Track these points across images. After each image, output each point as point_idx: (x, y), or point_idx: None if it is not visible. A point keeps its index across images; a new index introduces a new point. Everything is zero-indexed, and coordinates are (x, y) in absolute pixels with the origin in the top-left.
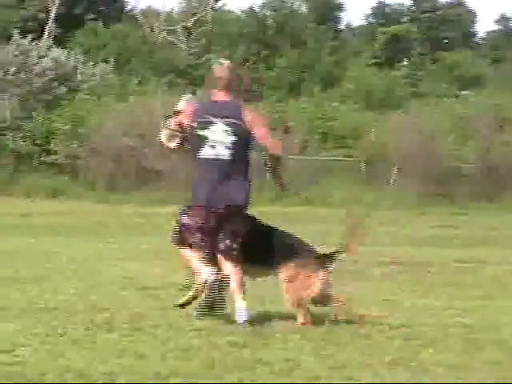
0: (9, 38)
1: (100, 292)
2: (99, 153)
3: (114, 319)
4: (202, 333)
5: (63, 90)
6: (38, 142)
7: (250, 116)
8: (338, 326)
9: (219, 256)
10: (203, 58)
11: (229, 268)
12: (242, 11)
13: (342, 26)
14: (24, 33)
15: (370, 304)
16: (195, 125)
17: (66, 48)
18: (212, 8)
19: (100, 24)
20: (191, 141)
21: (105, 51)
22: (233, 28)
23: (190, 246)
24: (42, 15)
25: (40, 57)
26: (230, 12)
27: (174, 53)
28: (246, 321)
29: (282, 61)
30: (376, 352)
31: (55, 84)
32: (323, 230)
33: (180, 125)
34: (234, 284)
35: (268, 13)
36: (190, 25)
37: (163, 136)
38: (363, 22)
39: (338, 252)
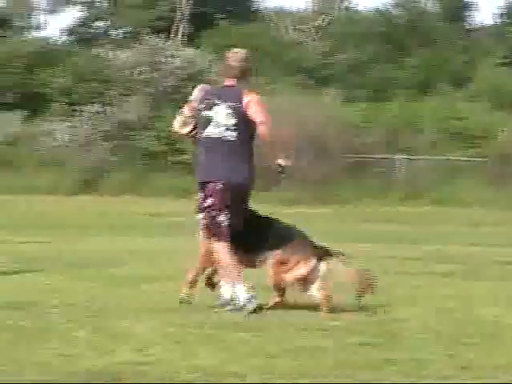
0: (141, 37)
1: None
2: None
3: (244, 319)
4: (331, 333)
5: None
6: (168, 141)
7: (248, 99)
8: (467, 326)
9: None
10: (332, 58)
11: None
12: (372, 10)
13: (472, 26)
14: (155, 32)
15: (491, 304)
16: (202, 106)
17: (196, 47)
18: (340, 7)
19: (229, 23)
20: (198, 121)
21: None
22: (361, 27)
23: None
24: (173, 15)
25: (171, 56)
26: (358, 12)
27: (303, 52)
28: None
29: (413, 60)
30: (504, 352)
31: (186, 83)
32: (449, 231)
33: (193, 111)
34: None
35: (398, 12)
36: (318, 24)
37: (176, 123)
38: (493, 22)
39: (339, 254)
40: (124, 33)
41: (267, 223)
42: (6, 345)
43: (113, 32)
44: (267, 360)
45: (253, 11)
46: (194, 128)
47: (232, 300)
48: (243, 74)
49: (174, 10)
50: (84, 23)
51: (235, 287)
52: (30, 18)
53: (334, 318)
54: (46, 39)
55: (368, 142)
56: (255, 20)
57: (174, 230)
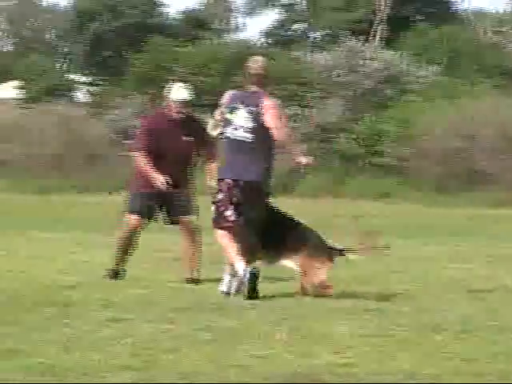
0: (339, 40)
1: (428, 293)
2: (427, 154)
3: (441, 321)
4: None
5: (392, 91)
6: (366, 143)
7: (266, 104)
8: None
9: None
10: None
11: (222, 236)
12: None
13: None
14: (353, 35)
15: None
16: (225, 110)
17: (394, 50)
18: None
19: (428, 25)
20: (223, 123)
21: (433, 53)
22: None
23: (228, 227)
24: (371, 17)
25: (369, 59)
26: None
27: (502, 54)
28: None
29: None
30: None
31: (384, 86)
32: None
33: (221, 115)
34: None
35: None
36: None
37: (209, 125)
38: None
39: (346, 250)
40: (322, 35)
41: (290, 224)
42: (206, 345)
43: (311, 34)
44: (464, 363)
45: (451, 13)
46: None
47: (234, 277)
48: (263, 81)
49: (372, 13)
50: (283, 25)
51: (236, 265)
52: (228, 20)
53: None
54: (245, 42)
55: None
56: (454, 21)
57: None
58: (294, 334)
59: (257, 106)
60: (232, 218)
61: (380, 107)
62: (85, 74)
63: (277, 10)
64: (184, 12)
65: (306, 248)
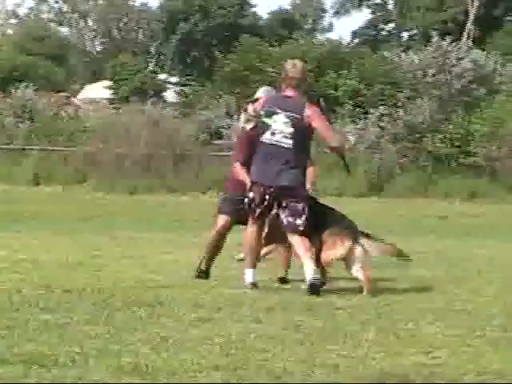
0: (428, 40)
1: None
2: None
3: None
4: None
5: (482, 91)
6: (456, 143)
7: (311, 112)
8: None
9: (286, 231)
10: None
11: (295, 239)
12: None
13: None
14: (443, 34)
15: None
16: (262, 112)
17: (484, 49)
18: None
19: None
20: (259, 126)
21: None
22: None
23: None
24: (461, 17)
25: (459, 58)
26: None
27: None
28: (314, 278)
29: None
30: None
31: (474, 86)
32: None
33: (255, 111)
34: (301, 251)
35: None
36: None
37: (242, 118)
38: None
39: (373, 238)
40: (410, 35)
41: (322, 211)
42: (295, 345)
43: (401, 34)
44: None
45: None
46: (256, 126)
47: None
48: (301, 85)
49: (463, 13)
50: (373, 25)
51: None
52: (318, 20)
53: None
54: (336, 41)
55: None
56: None
57: (462, 233)
58: (382, 334)
59: (297, 112)
60: (261, 217)
61: (471, 107)
62: (174, 75)
63: (367, 10)
64: (273, 12)
65: (329, 228)
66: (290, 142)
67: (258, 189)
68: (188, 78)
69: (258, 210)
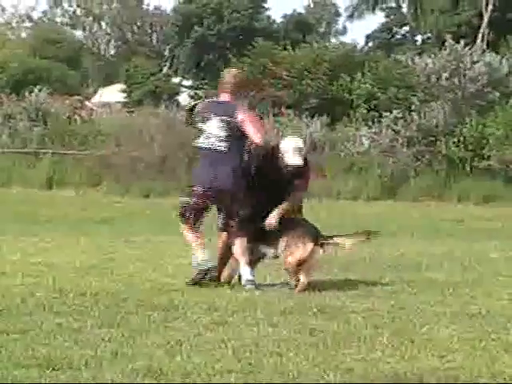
0: (442, 43)
1: None
2: None
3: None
4: None
5: (497, 94)
6: (470, 147)
7: (242, 115)
8: None
9: (225, 232)
10: None
11: (233, 241)
12: None
13: None
14: (457, 38)
15: None
16: (197, 119)
17: (499, 53)
18: None
19: None
20: (196, 132)
21: None
22: None
23: (193, 223)
24: (475, 20)
25: (473, 62)
26: None
27: None
28: (249, 280)
29: None
30: None
31: (488, 89)
32: None
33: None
34: (238, 251)
35: None
36: None
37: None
38: None
39: (337, 236)
40: (424, 39)
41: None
42: (310, 348)
43: (415, 38)
44: None
45: None
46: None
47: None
48: (234, 90)
49: (477, 16)
50: (387, 28)
51: (194, 255)
52: (332, 23)
53: None
54: (350, 45)
55: None
56: None
57: (477, 236)
58: (396, 337)
59: (228, 115)
60: (197, 222)
61: (485, 111)
62: (187, 78)
63: (381, 14)
64: (287, 16)
65: (292, 231)
66: (224, 144)
67: (198, 193)
68: (202, 81)
69: (192, 216)
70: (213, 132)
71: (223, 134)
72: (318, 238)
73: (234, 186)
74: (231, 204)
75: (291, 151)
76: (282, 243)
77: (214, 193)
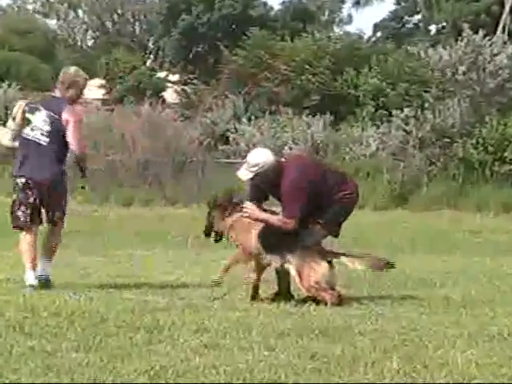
0: (459, 33)
1: None
2: None
3: None
4: None
5: None
6: (490, 150)
7: (67, 115)
8: None
9: (50, 224)
10: None
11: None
12: None
13: None
14: (476, 27)
15: None
16: (26, 108)
17: None
18: None
19: None
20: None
21: None
22: None
23: (28, 227)
24: (495, 8)
25: (493, 54)
26: None
27: None
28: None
29: None
30: None
31: (510, 85)
32: None
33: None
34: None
35: None
36: None
37: (6, 136)
38: None
39: (343, 254)
40: (439, 28)
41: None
42: (311, 374)
43: (428, 27)
44: None
45: None
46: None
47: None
48: (62, 89)
49: (498, 3)
50: (397, 17)
51: (26, 271)
52: (336, 11)
53: None
54: (355, 35)
55: None
56: None
57: (496, 250)
58: (408, 362)
59: (55, 112)
60: (23, 219)
61: (506, 109)
62: (174, 72)
63: (391, 1)
64: (285, 2)
65: (298, 249)
66: (47, 139)
67: (21, 186)
68: (190, 76)
69: (20, 212)
70: (38, 125)
71: (47, 128)
72: (327, 254)
73: (54, 179)
74: (50, 197)
75: (245, 163)
76: (291, 259)
77: (33, 184)
